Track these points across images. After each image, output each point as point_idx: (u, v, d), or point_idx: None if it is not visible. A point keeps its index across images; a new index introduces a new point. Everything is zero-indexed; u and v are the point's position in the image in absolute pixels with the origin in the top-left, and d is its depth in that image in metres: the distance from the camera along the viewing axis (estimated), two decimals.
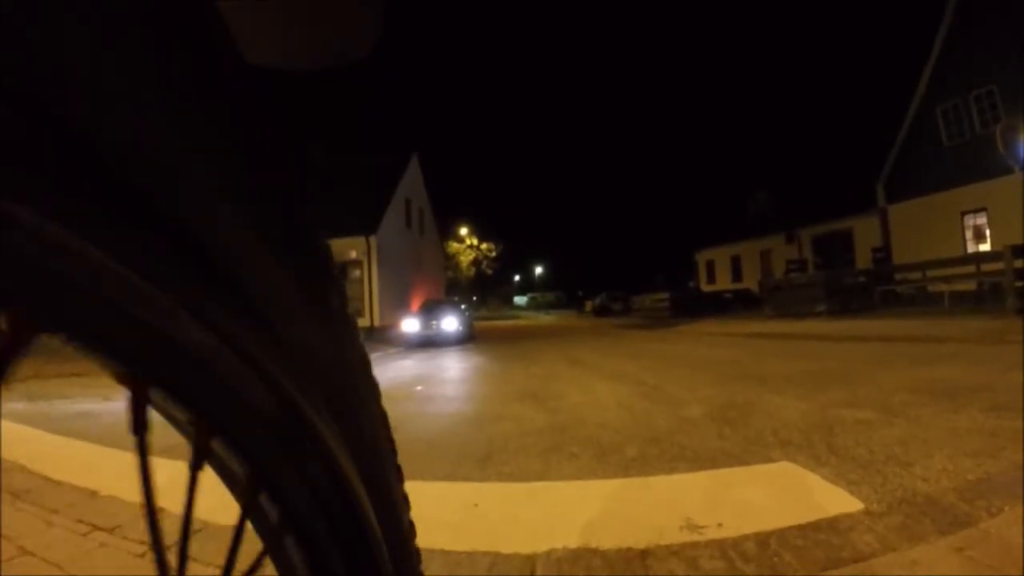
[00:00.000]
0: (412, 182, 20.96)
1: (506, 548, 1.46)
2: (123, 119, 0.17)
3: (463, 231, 40.78)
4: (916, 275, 12.51)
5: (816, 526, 1.52)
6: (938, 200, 14.83)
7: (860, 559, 1.34)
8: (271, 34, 0.31)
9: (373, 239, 16.17)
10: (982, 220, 13.98)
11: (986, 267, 10.36)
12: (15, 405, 4.17)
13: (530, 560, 1.40)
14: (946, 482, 1.82)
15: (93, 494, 2.07)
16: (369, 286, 16.18)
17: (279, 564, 0.34)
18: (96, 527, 1.73)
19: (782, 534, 1.48)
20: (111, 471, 2.32)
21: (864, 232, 18.07)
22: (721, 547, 1.43)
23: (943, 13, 14.43)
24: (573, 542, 1.48)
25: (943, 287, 11.09)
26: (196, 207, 0.20)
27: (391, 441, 0.40)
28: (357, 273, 16.15)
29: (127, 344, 0.21)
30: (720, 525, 1.56)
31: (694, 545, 1.44)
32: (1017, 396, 3.02)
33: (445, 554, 1.42)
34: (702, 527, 1.55)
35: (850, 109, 21.58)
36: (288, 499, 0.31)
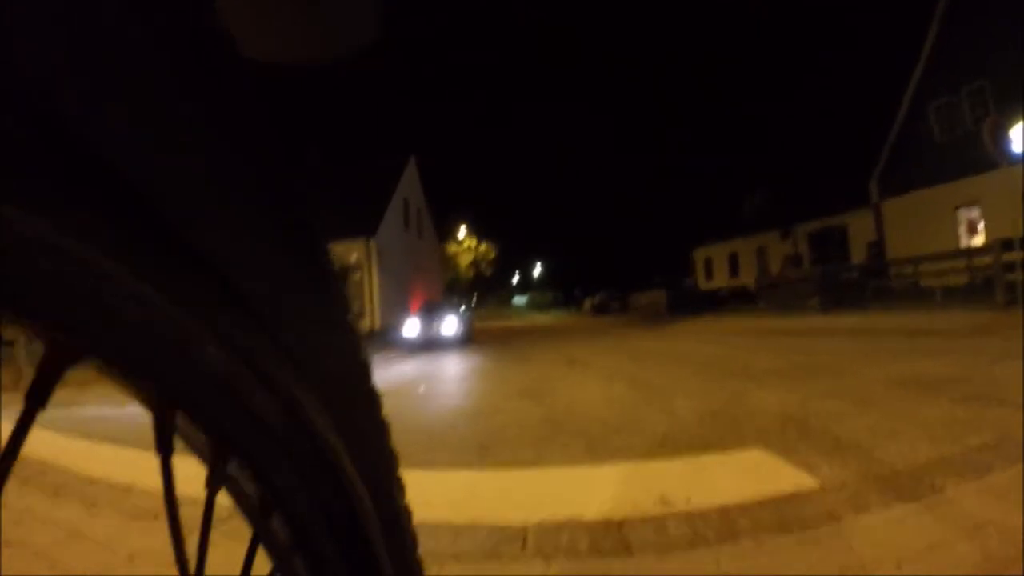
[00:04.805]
0: (410, 184, 21.13)
1: (502, 521, 1.68)
2: (115, 118, 0.16)
3: (461, 232, 41.03)
4: (909, 269, 12.64)
5: (773, 500, 1.72)
6: (931, 195, 14.99)
7: (808, 527, 1.54)
8: (270, 27, 0.31)
9: (373, 242, 16.34)
10: (975, 214, 14.12)
11: (978, 261, 10.48)
12: None
13: (522, 529, 1.61)
14: (900, 464, 2.01)
15: (128, 489, 2.25)
16: (370, 289, 16.35)
17: (267, 545, 0.34)
18: (138, 517, 1.92)
19: (742, 507, 1.69)
20: (141, 469, 2.45)
21: (859, 228, 18.27)
22: (688, 517, 1.64)
23: (934, 10, 14.57)
24: (560, 515, 1.69)
25: (934, 282, 11.25)
26: (193, 206, 0.20)
27: (387, 426, 0.40)
28: (358, 276, 16.31)
29: (128, 347, 0.21)
30: (689, 500, 1.77)
31: (664, 516, 1.66)
32: (989, 386, 3.18)
33: (450, 525, 1.64)
34: (673, 502, 1.76)
35: (844, 106, 21.68)
36: (277, 485, 0.31)
